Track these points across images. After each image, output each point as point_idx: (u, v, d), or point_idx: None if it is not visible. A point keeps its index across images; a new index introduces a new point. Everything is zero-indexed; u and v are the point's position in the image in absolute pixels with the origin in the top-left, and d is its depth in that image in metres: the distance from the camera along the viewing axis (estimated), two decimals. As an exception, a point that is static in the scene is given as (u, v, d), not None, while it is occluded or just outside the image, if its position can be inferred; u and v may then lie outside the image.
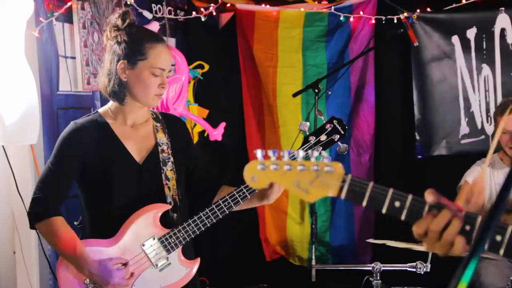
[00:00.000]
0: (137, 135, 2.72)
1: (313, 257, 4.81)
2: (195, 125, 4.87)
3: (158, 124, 2.78)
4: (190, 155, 2.88)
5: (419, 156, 4.97)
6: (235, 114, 5.38)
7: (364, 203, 1.43)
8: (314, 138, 2.75)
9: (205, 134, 4.89)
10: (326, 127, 2.77)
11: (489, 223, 1.19)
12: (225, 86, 5.41)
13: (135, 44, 2.61)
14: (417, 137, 4.97)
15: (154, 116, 2.82)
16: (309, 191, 1.46)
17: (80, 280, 2.60)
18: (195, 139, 4.96)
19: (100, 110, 2.77)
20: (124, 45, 2.60)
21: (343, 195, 1.44)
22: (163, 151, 2.72)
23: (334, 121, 2.78)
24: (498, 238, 1.37)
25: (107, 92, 2.68)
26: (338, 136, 2.76)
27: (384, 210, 1.43)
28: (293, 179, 1.46)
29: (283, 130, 5.25)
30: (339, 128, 2.77)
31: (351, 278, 4.29)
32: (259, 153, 1.48)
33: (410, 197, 1.43)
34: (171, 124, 2.84)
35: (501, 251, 1.37)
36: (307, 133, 2.77)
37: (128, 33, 2.62)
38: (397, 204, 1.43)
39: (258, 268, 5.15)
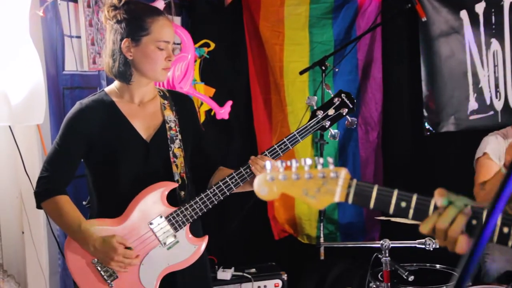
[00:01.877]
0: (144, 113, 2.71)
1: (322, 235, 4.81)
2: (201, 103, 4.84)
3: (166, 102, 2.77)
4: (196, 132, 2.87)
5: (427, 133, 4.94)
6: (241, 92, 5.34)
7: (371, 206, 1.46)
8: (322, 112, 2.75)
9: (212, 113, 4.87)
10: (334, 101, 2.77)
11: (491, 214, 1.17)
12: (232, 64, 5.37)
13: (136, 20, 2.59)
14: (425, 114, 4.92)
15: (161, 93, 2.81)
16: (317, 198, 1.48)
17: (88, 260, 2.61)
18: (202, 118, 4.94)
19: (106, 89, 2.76)
20: (125, 23, 2.59)
21: (350, 200, 1.47)
22: (170, 128, 2.71)
23: (342, 94, 2.78)
24: (505, 230, 1.38)
25: (112, 73, 2.67)
26: (347, 110, 2.77)
27: (391, 211, 1.46)
28: (302, 188, 1.48)
29: (290, 109, 5.21)
30: (348, 101, 2.78)
31: (360, 256, 4.29)
32: (268, 164, 1.50)
33: (415, 196, 1.45)
34: (179, 101, 2.84)
35: (510, 243, 1.38)
36: (315, 108, 2.75)
37: (126, 10, 2.60)
38: (403, 204, 1.45)
39: (267, 247, 5.14)
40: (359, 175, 5.17)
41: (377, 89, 5.12)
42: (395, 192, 1.45)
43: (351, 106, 2.77)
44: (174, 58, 2.69)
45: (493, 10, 4.67)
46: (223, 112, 4.65)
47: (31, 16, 3.38)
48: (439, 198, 1.43)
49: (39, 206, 2.68)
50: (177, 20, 4.99)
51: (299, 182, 1.48)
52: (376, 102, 5.12)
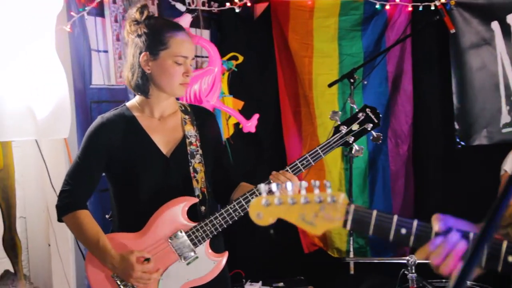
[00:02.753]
0: (165, 128, 2.71)
1: (351, 250, 4.75)
2: (229, 116, 4.84)
3: (187, 117, 2.77)
4: (218, 148, 2.87)
5: (459, 146, 4.86)
6: (271, 105, 5.34)
7: (370, 232, 1.41)
8: (345, 127, 2.68)
9: (240, 126, 4.87)
10: (359, 116, 2.69)
11: (483, 236, 1.13)
12: (261, 77, 5.37)
13: (156, 34, 2.60)
14: (456, 127, 4.85)
15: (183, 108, 2.81)
16: (314, 224, 1.42)
17: (108, 274, 2.61)
18: (231, 131, 4.94)
19: (128, 103, 2.77)
20: (144, 37, 2.60)
21: (348, 227, 1.41)
22: (191, 143, 2.70)
23: (367, 109, 2.70)
24: (510, 259, 1.32)
25: (131, 87, 2.68)
26: (372, 125, 2.68)
27: (391, 238, 1.40)
28: (298, 212, 1.43)
29: (320, 121, 5.18)
30: (373, 116, 2.69)
31: (390, 271, 4.22)
32: (262, 187, 1.44)
33: (415, 222, 1.39)
34: (200, 116, 2.83)
35: None
36: (339, 123, 2.70)
37: (147, 25, 2.61)
38: (403, 231, 1.40)
39: (296, 260, 5.11)
40: (389, 189, 5.12)
41: (407, 101, 5.07)
42: (395, 218, 1.40)
43: (376, 121, 2.68)
44: (192, 74, 2.68)
45: (525, 21, 4.59)
46: (250, 125, 4.64)
47: (58, 32, 3.43)
48: (436, 224, 1.38)
49: (60, 220, 2.70)
50: (206, 33, 5.01)
51: (296, 207, 1.42)
52: (406, 114, 5.07)
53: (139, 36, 2.61)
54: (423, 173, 5.11)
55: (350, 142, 2.69)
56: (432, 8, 4.74)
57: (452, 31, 4.52)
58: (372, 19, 5.07)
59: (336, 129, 2.69)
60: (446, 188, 4.87)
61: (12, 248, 3.34)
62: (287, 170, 2.65)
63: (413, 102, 5.07)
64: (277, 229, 4.90)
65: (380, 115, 2.72)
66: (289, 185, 1.44)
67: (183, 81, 2.64)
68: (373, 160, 5.14)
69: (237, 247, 4.99)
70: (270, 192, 1.44)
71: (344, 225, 1.41)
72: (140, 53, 2.61)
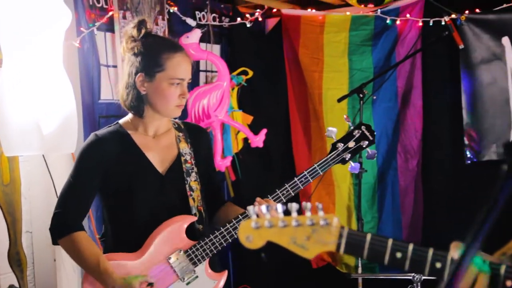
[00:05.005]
0: (159, 146, 2.68)
1: (360, 265, 4.72)
2: (238, 131, 4.85)
3: (181, 134, 2.74)
4: (210, 165, 2.85)
5: (468, 162, 4.83)
6: (280, 120, 5.35)
7: (364, 257, 1.39)
8: (342, 145, 2.74)
9: (249, 141, 4.87)
10: (354, 134, 2.77)
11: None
12: (271, 91, 5.38)
13: (152, 55, 2.56)
14: (466, 142, 4.81)
15: (176, 125, 2.78)
16: (307, 247, 1.39)
17: None
18: (240, 145, 4.94)
19: (121, 121, 2.73)
20: (141, 56, 2.56)
21: (341, 250, 1.39)
22: (186, 161, 2.68)
23: (362, 127, 2.78)
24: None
25: (125, 106, 2.65)
26: (367, 142, 2.76)
27: (385, 262, 1.38)
28: (289, 236, 1.40)
29: (329, 136, 5.17)
30: (368, 134, 2.77)
31: (397, 287, 4.20)
32: (251, 209, 1.42)
33: (411, 246, 1.37)
34: (194, 133, 2.80)
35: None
36: (335, 140, 2.75)
37: (144, 43, 2.58)
38: (398, 255, 1.37)
39: (304, 275, 5.09)
40: (398, 204, 5.09)
41: (417, 116, 5.04)
42: (390, 242, 1.38)
43: (371, 138, 2.76)
44: (188, 95, 2.64)
45: (535, 36, 4.56)
46: (258, 140, 4.64)
47: (67, 46, 3.46)
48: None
49: (55, 243, 2.64)
50: (216, 48, 5.03)
51: (287, 230, 1.39)
52: (416, 130, 5.04)
53: (135, 54, 2.58)
54: (432, 189, 5.07)
55: (347, 159, 2.76)
56: (443, 23, 4.72)
57: (461, 46, 4.50)
58: (382, 34, 5.06)
59: (333, 146, 2.77)
60: (456, 203, 4.83)
61: (18, 263, 3.36)
62: (285, 188, 2.64)
63: (423, 117, 5.05)
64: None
65: (375, 133, 2.80)
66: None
67: (179, 103, 2.60)
68: (382, 175, 5.12)
69: (245, 262, 5.00)
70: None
71: (338, 248, 1.39)
72: (136, 73, 2.57)
